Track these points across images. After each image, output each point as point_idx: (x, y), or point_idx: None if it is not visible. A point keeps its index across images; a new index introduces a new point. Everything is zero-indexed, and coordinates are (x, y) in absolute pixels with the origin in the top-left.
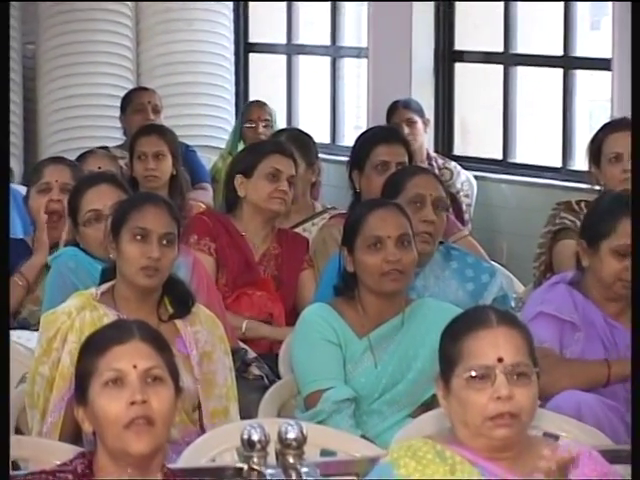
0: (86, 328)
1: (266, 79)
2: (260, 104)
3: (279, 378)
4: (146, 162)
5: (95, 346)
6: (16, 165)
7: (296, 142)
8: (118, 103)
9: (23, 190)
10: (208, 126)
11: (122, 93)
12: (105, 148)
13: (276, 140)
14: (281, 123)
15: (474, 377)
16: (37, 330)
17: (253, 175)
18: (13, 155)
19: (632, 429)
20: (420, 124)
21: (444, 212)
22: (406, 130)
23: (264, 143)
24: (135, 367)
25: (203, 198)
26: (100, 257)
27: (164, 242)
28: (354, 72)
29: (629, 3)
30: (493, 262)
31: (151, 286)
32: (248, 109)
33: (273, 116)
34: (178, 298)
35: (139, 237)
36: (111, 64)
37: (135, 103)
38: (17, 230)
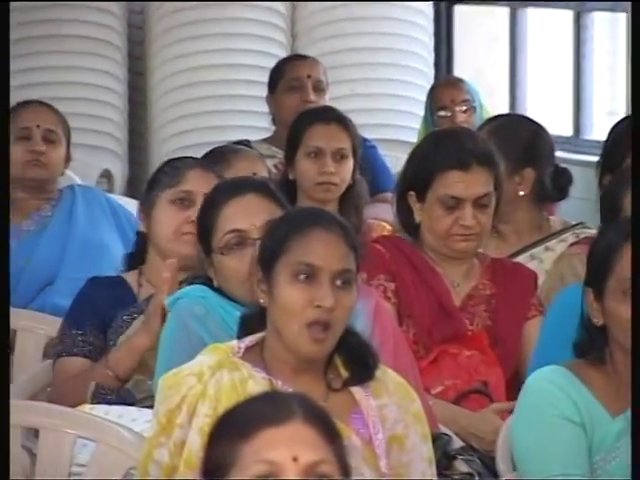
0: (224, 396)
1: (477, 44)
2: (452, 82)
3: (496, 477)
4: (321, 163)
5: (237, 425)
6: (118, 167)
7: (505, 136)
8: (264, 77)
9: (129, 203)
10: (394, 111)
11: (271, 63)
12: (246, 143)
13: (465, 142)
14: (498, 107)
15: None
16: (147, 406)
17: (427, 197)
18: (113, 153)
19: (632, 429)
20: None
21: None
22: None
23: (444, 145)
24: (295, 460)
25: (387, 215)
26: (241, 300)
27: (339, 283)
28: (607, 32)
29: None
30: None
31: (320, 350)
32: (437, 91)
33: (474, 96)
34: (355, 357)
35: (303, 277)
36: (254, 21)
37: (289, 78)
38: (114, 258)
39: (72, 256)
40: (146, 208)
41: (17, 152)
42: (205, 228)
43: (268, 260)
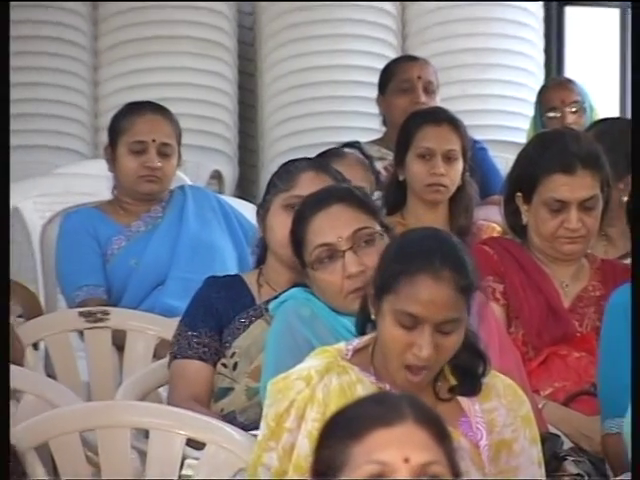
0: (332, 400)
1: (588, 45)
2: (563, 83)
3: (606, 479)
4: (431, 164)
5: (348, 426)
6: (228, 168)
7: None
8: (374, 79)
9: (239, 204)
10: (504, 112)
11: (381, 64)
12: (356, 144)
13: (570, 145)
14: (607, 109)
15: None
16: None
17: (533, 199)
18: (223, 154)
19: (632, 431)
20: None
21: None
22: None
23: (549, 148)
24: (407, 461)
25: (497, 217)
26: (340, 310)
27: (443, 330)
28: None
29: None
30: None
31: (415, 387)
32: (547, 92)
33: (584, 97)
34: (465, 367)
35: (406, 323)
36: (364, 22)
37: (399, 79)
38: (224, 258)
39: (182, 256)
40: (262, 212)
41: (131, 165)
42: (297, 242)
43: (378, 291)
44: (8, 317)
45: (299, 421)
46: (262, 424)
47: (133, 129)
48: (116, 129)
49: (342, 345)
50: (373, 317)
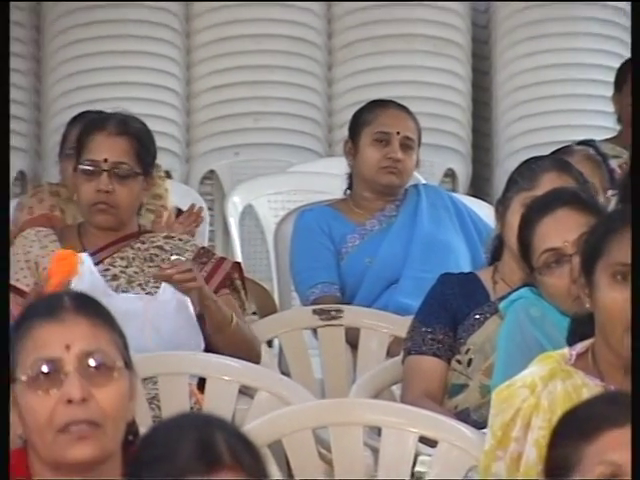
0: (558, 406)
1: None
2: None
3: None
4: None
5: (579, 426)
6: (461, 166)
7: None
8: (609, 77)
9: (472, 203)
10: None
11: (617, 63)
12: (590, 142)
13: None
14: None
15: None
16: None
17: None
18: (457, 153)
19: (632, 432)
20: None
21: None
22: None
23: None
24: None
25: None
26: (568, 313)
27: None
28: None
29: None
30: None
31: None
32: None
33: None
34: None
35: (620, 277)
36: (598, 21)
37: None
38: (458, 257)
39: (416, 255)
40: (501, 209)
41: (374, 155)
42: (524, 247)
43: (588, 264)
44: (8, 317)
45: (525, 430)
46: (488, 433)
47: (377, 120)
48: (359, 121)
49: (565, 350)
50: (587, 306)
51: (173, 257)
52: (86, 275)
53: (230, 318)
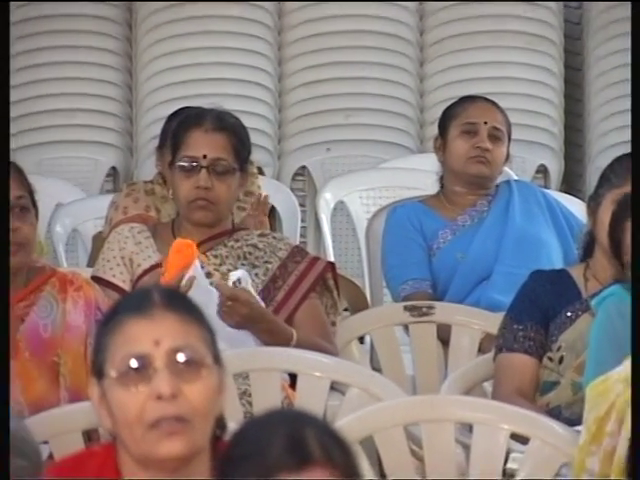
0: None
1: None
2: None
3: None
4: None
5: None
6: (554, 162)
7: None
8: None
9: (564, 199)
10: None
11: None
12: None
13: None
14: None
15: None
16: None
17: None
18: (549, 149)
19: (632, 432)
20: None
21: None
22: None
23: None
24: None
25: None
26: None
27: None
28: None
29: None
30: None
31: None
32: None
33: None
34: None
35: None
36: None
37: None
38: (550, 253)
39: (508, 251)
40: (593, 205)
41: (462, 146)
42: (615, 243)
43: None
44: (8, 315)
45: (619, 424)
46: (583, 429)
47: (465, 112)
48: (447, 116)
49: None
50: None
51: (232, 275)
52: (197, 268)
53: (289, 337)
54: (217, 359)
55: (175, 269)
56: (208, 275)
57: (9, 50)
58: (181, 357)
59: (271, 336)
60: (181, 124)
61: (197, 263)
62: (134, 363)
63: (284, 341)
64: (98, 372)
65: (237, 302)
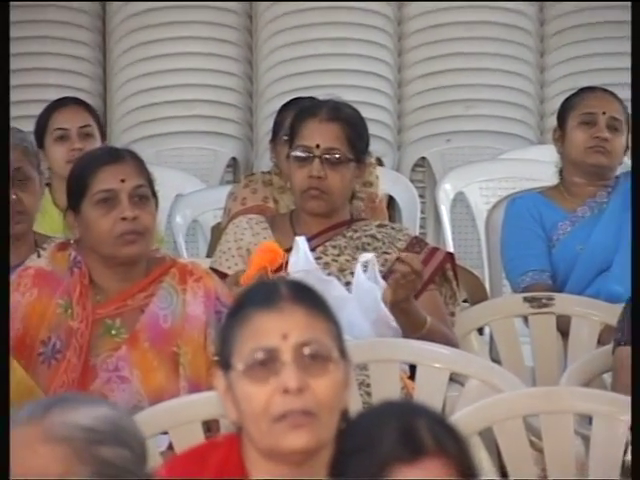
0: None
1: None
2: None
3: None
4: None
5: None
6: None
7: None
8: None
9: None
10: None
11: None
12: None
13: None
14: None
15: None
16: None
17: None
18: None
19: (632, 432)
20: None
21: None
22: None
23: None
24: None
25: None
26: None
27: None
28: None
29: None
30: None
31: None
32: None
33: None
34: None
35: None
36: None
37: None
38: None
39: (628, 241)
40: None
41: (580, 136)
42: None
43: None
44: (8, 313)
45: None
46: None
47: (583, 103)
48: (566, 107)
49: None
50: None
51: (362, 257)
52: (301, 260)
53: (424, 321)
54: (343, 353)
55: (254, 269)
56: (326, 266)
57: (9, 50)
58: (308, 351)
59: (414, 317)
60: (298, 115)
61: (301, 254)
62: (261, 356)
63: (420, 325)
64: (225, 364)
65: (418, 276)
